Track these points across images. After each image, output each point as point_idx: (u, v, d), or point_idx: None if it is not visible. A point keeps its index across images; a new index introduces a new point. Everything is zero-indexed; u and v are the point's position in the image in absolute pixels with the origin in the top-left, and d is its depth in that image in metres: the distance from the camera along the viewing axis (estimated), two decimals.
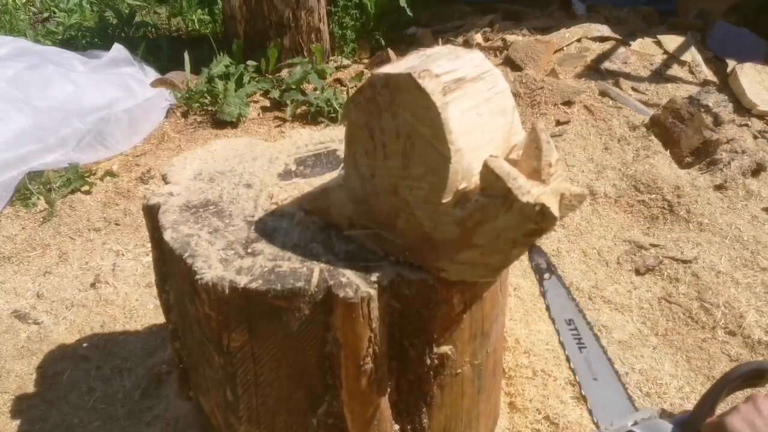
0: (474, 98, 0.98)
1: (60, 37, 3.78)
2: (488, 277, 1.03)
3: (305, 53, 3.38)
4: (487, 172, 0.91)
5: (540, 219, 0.89)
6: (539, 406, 1.65)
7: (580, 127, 2.85)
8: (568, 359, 1.22)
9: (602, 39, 3.50)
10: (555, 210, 0.88)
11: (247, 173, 1.34)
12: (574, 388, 1.70)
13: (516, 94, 2.99)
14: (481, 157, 0.93)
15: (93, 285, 2.11)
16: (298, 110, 3.06)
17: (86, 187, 2.55)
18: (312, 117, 3.01)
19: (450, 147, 0.93)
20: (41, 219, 2.42)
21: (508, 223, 0.92)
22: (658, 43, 3.47)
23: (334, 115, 2.98)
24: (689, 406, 1.74)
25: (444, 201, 0.97)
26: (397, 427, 1.22)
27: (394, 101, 0.96)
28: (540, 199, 0.88)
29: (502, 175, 0.89)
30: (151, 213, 1.23)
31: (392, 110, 0.97)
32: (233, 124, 2.96)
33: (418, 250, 1.05)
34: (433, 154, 0.95)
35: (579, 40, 3.49)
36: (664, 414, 1.26)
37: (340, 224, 1.15)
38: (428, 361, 1.13)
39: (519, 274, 2.14)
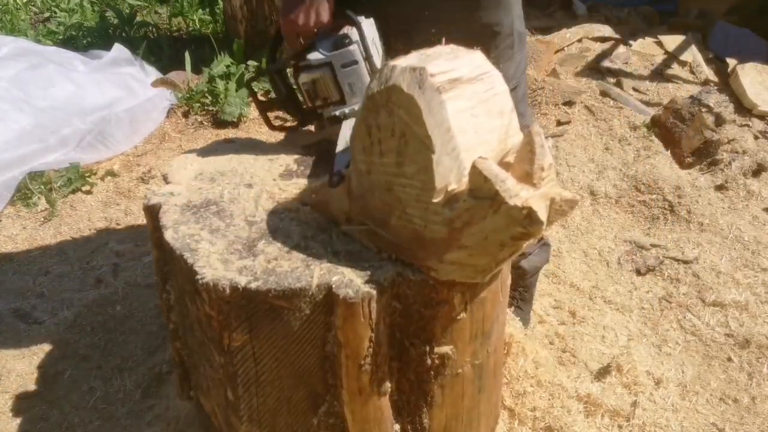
0: (470, 99, 0.98)
1: (61, 37, 3.78)
2: (477, 278, 1.03)
3: None
4: (476, 173, 0.90)
5: (527, 223, 0.88)
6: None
7: (580, 127, 2.85)
8: None
9: (603, 39, 3.50)
10: (542, 214, 0.88)
11: (248, 173, 1.34)
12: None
13: None
14: (474, 158, 0.92)
15: (94, 285, 2.11)
16: None
17: (87, 187, 2.55)
18: None
19: None
20: (42, 219, 2.42)
21: (495, 225, 0.91)
22: (659, 43, 3.47)
23: None
24: (690, 405, 1.74)
25: (435, 201, 0.97)
26: (397, 426, 1.22)
27: (390, 99, 0.96)
28: (528, 202, 0.87)
29: (490, 176, 0.89)
30: (152, 213, 1.23)
31: (388, 108, 0.97)
32: (234, 124, 2.96)
33: (410, 249, 1.05)
34: (426, 153, 0.95)
35: (580, 41, 3.49)
36: None
37: (339, 220, 1.16)
38: (429, 361, 1.13)
39: None
